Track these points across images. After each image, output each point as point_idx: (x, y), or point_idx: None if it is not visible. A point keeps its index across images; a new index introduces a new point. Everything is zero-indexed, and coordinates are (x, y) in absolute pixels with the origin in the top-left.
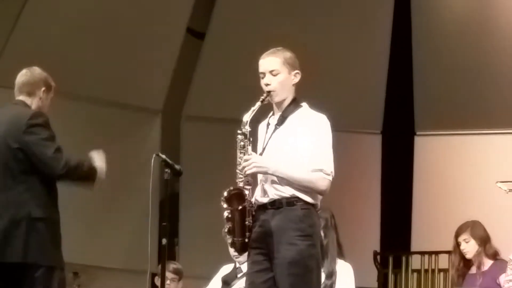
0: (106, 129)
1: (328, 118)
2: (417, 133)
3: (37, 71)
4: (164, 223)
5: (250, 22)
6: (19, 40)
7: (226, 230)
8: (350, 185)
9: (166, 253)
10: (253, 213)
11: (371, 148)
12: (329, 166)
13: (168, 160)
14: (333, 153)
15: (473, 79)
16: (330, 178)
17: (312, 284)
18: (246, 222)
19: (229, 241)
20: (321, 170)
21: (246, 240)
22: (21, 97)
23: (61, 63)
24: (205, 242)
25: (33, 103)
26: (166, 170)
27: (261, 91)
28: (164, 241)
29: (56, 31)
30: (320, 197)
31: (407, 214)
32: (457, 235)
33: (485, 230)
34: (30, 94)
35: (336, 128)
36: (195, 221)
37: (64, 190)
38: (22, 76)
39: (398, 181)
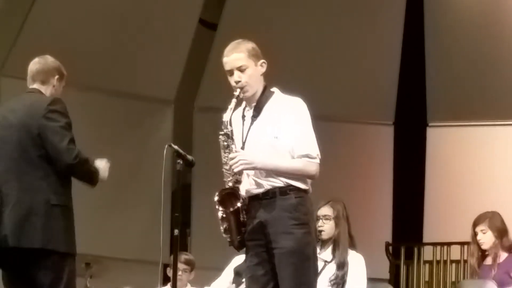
0: (119, 120)
1: (304, 104)
2: (430, 124)
3: (50, 59)
4: (176, 214)
5: (263, 13)
6: (31, 32)
7: (222, 229)
8: (362, 176)
9: (178, 244)
10: (245, 207)
11: (384, 139)
12: (314, 149)
13: (180, 150)
14: (346, 144)
15: (486, 71)
16: (317, 161)
17: (310, 271)
18: (241, 219)
19: (227, 240)
20: (307, 155)
21: (243, 236)
22: (35, 85)
23: (73, 54)
24: (217, 233)
25: (47, 91)
26: (178, 160)
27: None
28: (176, 231)
29: (68, 23)
30: (310, 181)
31: (419, 205)
32: (475, 225)
33: (503, 222)
34: (44, 82)
35: (349, 119)
36: (207, 212)
37: (77, 180)
38: (36, 64)
39: (410, 172)
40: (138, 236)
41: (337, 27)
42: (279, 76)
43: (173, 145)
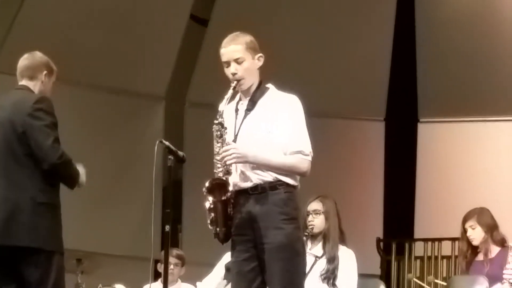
0: (110, 115)
1: (299, 101)
2: (421, 120)
3: (38, 55)
4: (168, 210)
5: (254, 8)
6: (22, 28)
7: (208, 221)
8: (353, 172)
9: (170, 240)
10: (232, 200)
11: (375, 135)
12: (307, 146)
13: (171, 146)
14: (337, 140)
15: (477, 66)
16: (310, 158)
17: (300, 266)
18: (228, 211)
19: (213, 231)
20: (299, 152)
21: (229, 229)
22: (24, 82)
23: (64, 49)
24: (208, 229)
25: (35, 87)
26: (170, 156)
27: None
28: (167, 227)
29: (59, 18)
30: (299, 177)
31: (410, 201)
32: (464, 221)
33: (492, 217)
34: (32, 78)
35: (340, 115)
36: (198, 208)
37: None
38: (24, 60)
39: (402, 168)
40: (129, 232)
41: (328, 24)
42: (269, 72)
43: (164, 141)
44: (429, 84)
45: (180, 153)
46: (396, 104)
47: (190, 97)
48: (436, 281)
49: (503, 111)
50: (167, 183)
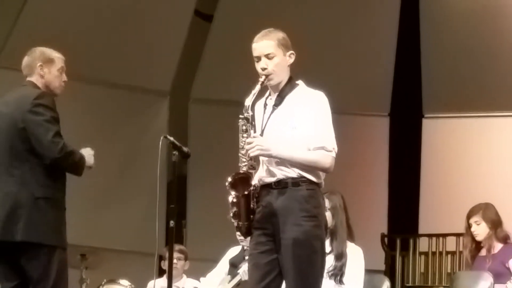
0: (114, 111)
1: (328, 97)
2: (425, 115)
3: (36, 50)
4: (172, 205)
5: (258, 4)
6: (27, 23)
7: (231, 214)
8: (358, 168)
9: (174, 235)
10: (257, 195)
11: (379, 130)
12: (331, 142)
13: (176, 142)
14: (342, 135)
15: (482, 62)
16: (333, 154)
17: (317, 264)
18: (251, 206)
19: (235, 225)
20: (323, 148)
21: (251, 223)
22: (27, 79)
23: (69, 45)
24: (213, 224)
25: (37, 81)
26: (174, 152)
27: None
28: (171, 223)
29: (64, 14)
30: (323, 175)
31: (415, 197)
32: (469, 216)
33: (497, 213)
34: (30, 74)
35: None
36: (202, 203)
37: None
38: (24, 58)
39: (406, 164)
40: (134, 228)
41: (332, 19)
42: None
43: (168, 137)
44: (434, 80)
45: (185, 148)
46: (400, 99)
47: (195, 92)
48: None
49: (507, 106)
50: (172, 178)
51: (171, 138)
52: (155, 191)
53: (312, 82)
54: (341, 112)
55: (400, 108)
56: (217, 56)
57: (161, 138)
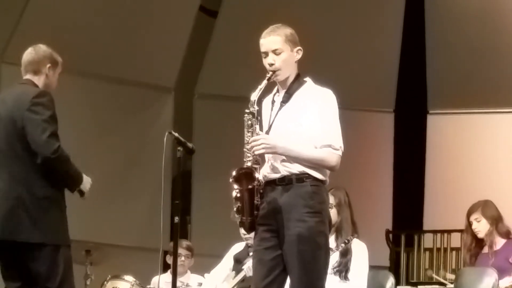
0: (119, 107)
1: (334, 93)
2: (430, 111)
3: (42, 48)
4: (177, 201)
5: (263, 1)
6: (32, 19)
7: (235, 209)
8: (362, 164)
9: (178, 231)
10: (261, 191)
11: (384, 126)
12: (338, 141)
13: (180, 138)
14: (346, 131)
15: (486, 58)
16: (340, 153)
17: (321, 260)
18: (255, 201)
19: (238, 220)
20: (329, 146)
21: (255, 219)
22: (28, 76)
23: (74, 41)
24: (217, 220)
25: (40, 81)
26: (179, 148)
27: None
28: (176, 219)
29: (69, 10)
30: (329, 172)
31: (419, 193)
32: (469, 214)
33: (496, 209)
34: (36, 72)
35: (349, 107)
36: (207, 199)
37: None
38: (28, 55)
39: (411, 160)
40: (138, 223)
41: (337, 15)
42: None
43: (173, 132)
44: (439, 76)
45: (189, 144)
46: (405, 95)
47: (199, 88)
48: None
49: None
50: (176, 174)
51: (176, 134)
52: (159, 187)
53: (318, 78)
54: (346, 108)
55: (405, 105)
56: (222, 52)
57: (166, 134)
